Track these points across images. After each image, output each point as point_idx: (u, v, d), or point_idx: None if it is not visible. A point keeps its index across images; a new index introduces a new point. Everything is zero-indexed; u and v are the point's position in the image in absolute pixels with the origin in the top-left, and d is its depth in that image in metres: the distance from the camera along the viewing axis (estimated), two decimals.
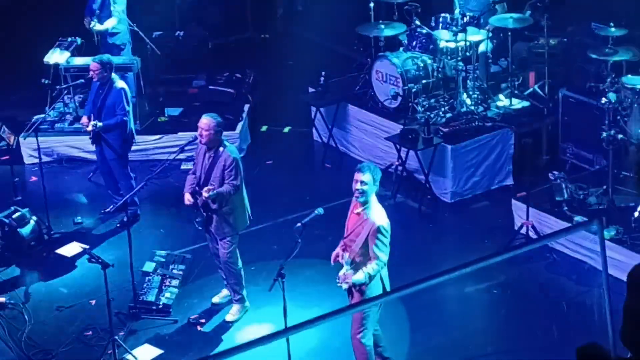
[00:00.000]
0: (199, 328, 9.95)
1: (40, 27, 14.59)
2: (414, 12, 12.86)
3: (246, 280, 9.97)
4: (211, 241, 9.93)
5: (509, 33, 12.59)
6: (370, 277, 8.34)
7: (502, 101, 12.68)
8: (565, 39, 12.99)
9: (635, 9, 12.11)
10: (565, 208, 10.77)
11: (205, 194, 9.44)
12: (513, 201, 11.21)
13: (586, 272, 10.36)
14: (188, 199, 9.67)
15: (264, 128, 13.91)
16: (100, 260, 9.09)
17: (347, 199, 8.77)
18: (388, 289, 8.46)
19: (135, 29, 13.70)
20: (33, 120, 12.67)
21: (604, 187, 10.96)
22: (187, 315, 10.11)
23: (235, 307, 10.02)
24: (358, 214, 8.44)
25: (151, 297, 10.18)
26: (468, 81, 12.55)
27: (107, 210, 11.45)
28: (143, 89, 13.42)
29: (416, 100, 12.37)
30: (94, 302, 10.25)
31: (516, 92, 12.77)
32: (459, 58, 12.47)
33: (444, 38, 12.58)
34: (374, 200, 8.43)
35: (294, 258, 8.58)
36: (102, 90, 11.23)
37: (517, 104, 12.64)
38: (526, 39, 13.11)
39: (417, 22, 12.83)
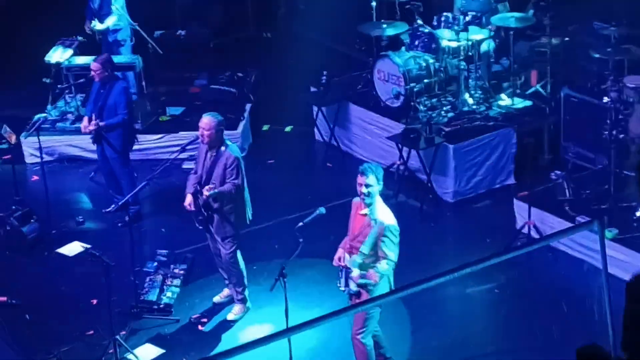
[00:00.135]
0: (200, 328, 9.94)
1: (41, 26, 14.56)
2: (415, 12, 12.85)
3: (247, 279, 9.96)
4: (211, 241, 9.91)
5: (511, 32, 12.57)
6: (381, 276, 8.33)
7: (504, 100, 12.67)
8: (568, 38, 12.98)
9: (637, 8, 12.08)
10: (567, 207, 10.76)
11: (206, 193, 9.42)
12: (515, 200, 11.19)
13: (587, 271, 10.34)
14: (189, 202, 9.64)
15: (265, 127, 13.90)
16: (101, 260, 9.09)
17: (349, 198, 8.76)
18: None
19: (137, 28, 13.70)
20: (34, 119, 12.67)
21: (606, 186, 10.95)
22: (188, 314, 10.10)
23: (236, 307, 10.01)
24: (364, 215, 8.41)
25: (153, 297, 10.16)
26: (470, 80, 12.55)
27: (109, 209, 11.46)
28: (145, 88, 13.42)
29: (418, 100, 12.36)
30: (95, 301, 10.23)
31: (518, 91, 12.77)
32: (461, 57, 12.47)
33: (446, 37, 12.57)
34: (379, 200, 8.40)
35: (296, 258, 8.58)
36: (104, 90, 11.23)
37: (519, 103, 12.63)
38: (528, 38, 13.09)
39: (419, 22, 12.82)
